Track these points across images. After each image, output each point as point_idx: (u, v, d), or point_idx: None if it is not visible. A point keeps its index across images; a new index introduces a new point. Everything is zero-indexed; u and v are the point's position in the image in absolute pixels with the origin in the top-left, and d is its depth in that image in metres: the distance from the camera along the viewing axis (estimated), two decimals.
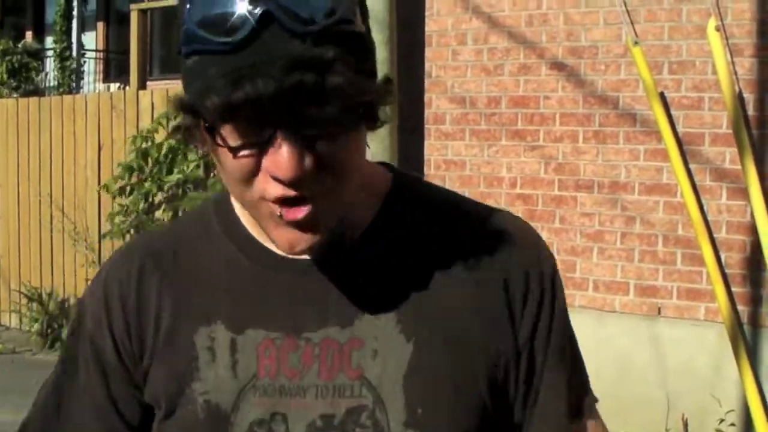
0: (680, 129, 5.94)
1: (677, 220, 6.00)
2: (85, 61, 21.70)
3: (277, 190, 1.21)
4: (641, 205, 6.11)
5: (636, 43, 5.88)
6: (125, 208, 7.95)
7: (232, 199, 1.41)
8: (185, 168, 7.75)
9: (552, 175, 6.32)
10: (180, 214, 7.50)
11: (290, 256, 1.33)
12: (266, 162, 1.19)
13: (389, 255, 1.37)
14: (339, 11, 1.17)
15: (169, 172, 7.79)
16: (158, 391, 1.39)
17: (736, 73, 5.76)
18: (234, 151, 1.19)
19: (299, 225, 1.24)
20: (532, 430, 1.41)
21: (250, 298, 1.36)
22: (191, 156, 7.72)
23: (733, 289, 5.79)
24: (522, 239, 1.42)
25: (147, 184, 7.94)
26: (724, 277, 5.76)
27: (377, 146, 6.34)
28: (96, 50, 22.27)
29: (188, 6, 1.18)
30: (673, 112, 5.95)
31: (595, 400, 1.50)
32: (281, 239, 1.27)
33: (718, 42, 5.67)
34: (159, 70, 13.48)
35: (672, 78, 5.99)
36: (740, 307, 5.78)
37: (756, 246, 5.68)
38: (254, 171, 1.21)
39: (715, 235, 5.84)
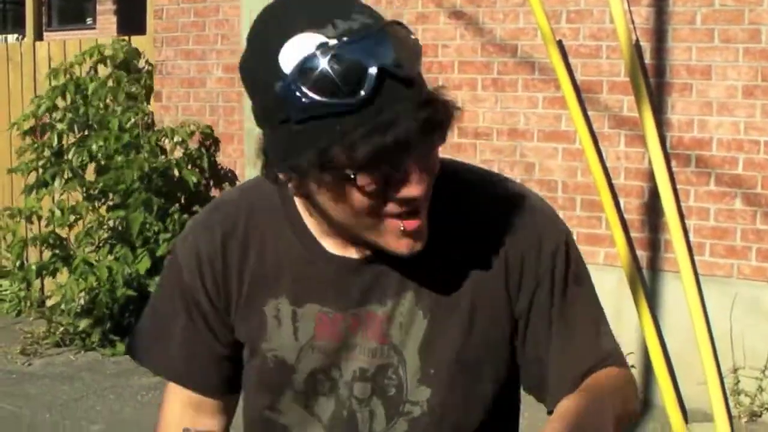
0: (578, 77, 5.98)
1: (576, 167, 6.06)
2: None
3: (401, 208, 1.48)
4: (540, 152, 6.16)
5: None
6: (35, 146, 7.61)
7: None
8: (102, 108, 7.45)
9: None
10: (92, 156, 7.24)
11: (339, 254, 1.65)
12: (397, 190, 1.45)
13: (421, 252, 1.59)
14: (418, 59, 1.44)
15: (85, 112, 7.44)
16: (242, 340, 1.74)
17: (633, 22, 5.80)
18: (374, 194, 1.44)
19: (415, 233, 1.52)
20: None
21: (307, 281, 1.68)
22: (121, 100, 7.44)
23: (632, 234, 5.88)
24: (528, 224, 1.68)
25: (60, 126, 7.60)
26: (623, 222, 5.84)
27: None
28: None
29: (292, 82, 1.37)
30: (571, 60, 5.99)
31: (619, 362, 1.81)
32: (402, 247, 1.54)
33: None
34: (57, 21, 13.18)
35: (570, 27, 6.02)
36: (639, 252, 5.87)
37: (653, 192, 5.77)
38: (384, 201, 1.46)
39: (613, 181, 5.91)
